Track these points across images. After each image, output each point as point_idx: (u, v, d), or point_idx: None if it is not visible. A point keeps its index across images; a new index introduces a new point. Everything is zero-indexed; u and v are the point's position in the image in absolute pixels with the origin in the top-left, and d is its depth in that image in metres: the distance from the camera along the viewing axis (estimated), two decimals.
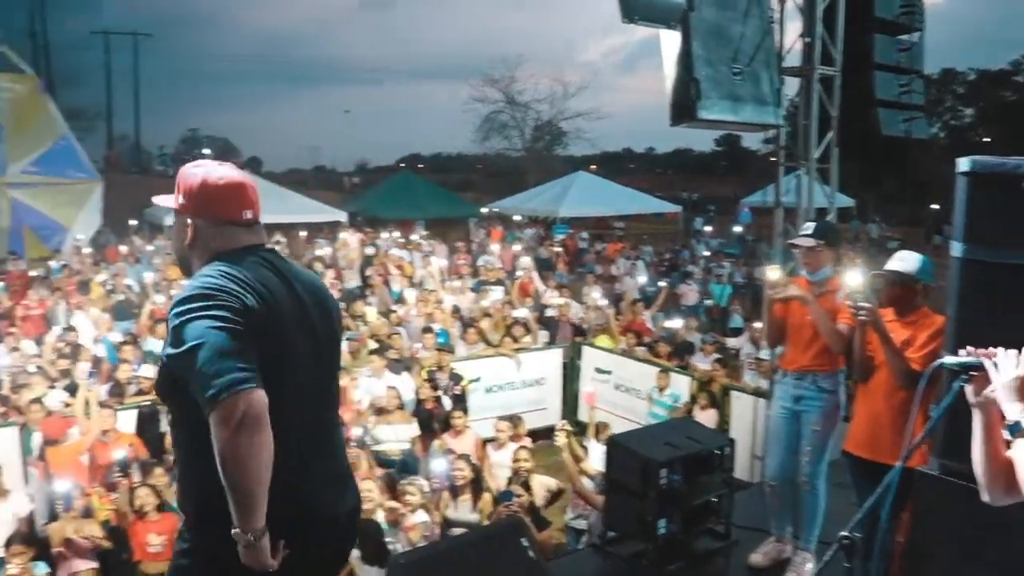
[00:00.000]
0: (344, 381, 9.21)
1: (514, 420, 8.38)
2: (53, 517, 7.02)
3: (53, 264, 17.11)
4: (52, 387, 8.94)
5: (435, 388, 9.48)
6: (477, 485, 7.07)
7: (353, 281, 15.50)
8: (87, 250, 17.98)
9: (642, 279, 17.20)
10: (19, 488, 7.47)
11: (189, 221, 2.43)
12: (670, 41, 4.83)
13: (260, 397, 2.11)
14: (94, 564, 6.80)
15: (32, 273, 15.58)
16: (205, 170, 2.44)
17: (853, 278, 4.14)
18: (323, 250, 18.00)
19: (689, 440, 4.68)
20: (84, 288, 14.15)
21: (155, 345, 10.96)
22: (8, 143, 20.17)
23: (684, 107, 4.94)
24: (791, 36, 7.31)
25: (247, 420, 2.07)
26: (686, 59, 4.78)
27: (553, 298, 13.77)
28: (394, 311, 12.69)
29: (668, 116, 5.40)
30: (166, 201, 2.48)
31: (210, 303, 2.18)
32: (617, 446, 4.58)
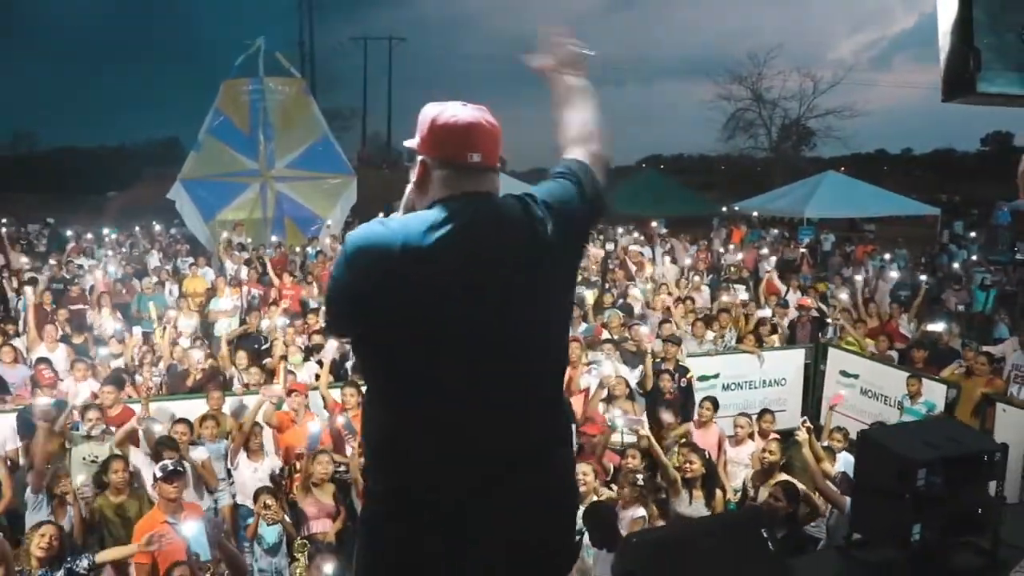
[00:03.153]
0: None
1: (764, 415, 8.23)
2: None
3: (309, 250, 18.36)
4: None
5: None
6: (710, 482, 6.85)
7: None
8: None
9: (893, 276, 16.04)
10: (272, 450, 8.01)
11: (419, 159, 2.36)
12: (947, 7, 4.35)
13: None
14: (331, 526, 7.16)
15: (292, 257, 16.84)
16: (440, 108, 2.35)
17: None
18: None
19: (951, 441, 4.22)
20: None
21: None
22: (276, 140, 21.82)
23: (960, 81, 4.40)
24: None
25: None
26: (965, 26, 4.29)
27: (794, 299, 13.30)
28: (630, 304, 12.65)
29: (940, 92, 4.82)
30: (411, 142, 2.42)
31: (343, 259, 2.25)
32: (869, 442, 4.20)
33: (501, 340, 2.22)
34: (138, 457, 7.24)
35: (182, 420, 7.73)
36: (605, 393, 8.54)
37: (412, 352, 2.21)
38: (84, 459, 7.43)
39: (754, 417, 8.61)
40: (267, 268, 15.14)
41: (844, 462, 7.19)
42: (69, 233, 22.19)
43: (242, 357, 9.79)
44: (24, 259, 17.97)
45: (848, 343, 11.21)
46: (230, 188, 21.48)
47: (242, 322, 12.37)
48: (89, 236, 21.28)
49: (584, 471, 6.22)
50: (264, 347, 10.59)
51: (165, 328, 10.68)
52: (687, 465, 6.73)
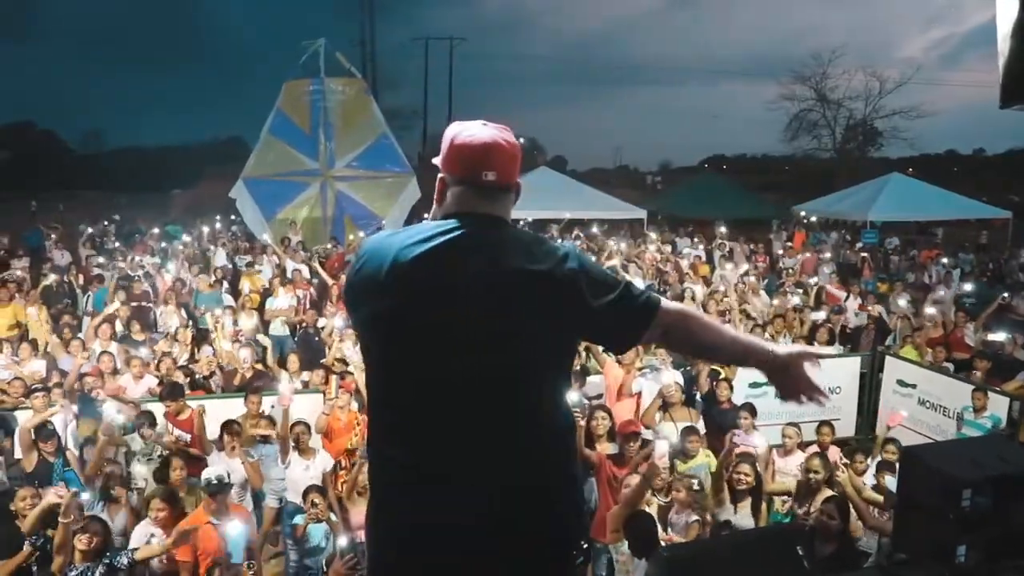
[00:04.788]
0: (620, 373, 9.15)
1: (822, 427, 8.23)
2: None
3: None
4: None
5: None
6: (757, 493, 6.73)
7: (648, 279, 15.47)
8: None
9: (966, 287, 15.63)
10: (320, 448, 8.08)
11: (439, 175, 2.43)
12: (1007, 9, 4.21)
13: None
14: None
15: (348, 257, 16.99)
16: (460, 127, 2.42)
17: None
18: (620, 245, 18.31)
19: (1001, 460, 4.09)
20: None
21: None
22: (337, 140, 22.06)
23: (1019, 86, 4.32)
24: None
25: None
26: None
27: (853, 305, 13.04)
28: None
29: (998, 98, 4.72)
30: (437, 159, 2.47)
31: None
32: (913, 459, 4.07)
33: (456, 368, 2.24)
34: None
35: (231, 421, 7.82)
36: (661, 402, 8.45)
37: (382, 359, 2.33)
38: (139, 457, 7.69)
39: (809, 427, 8.48)
40: (321, 268, 15.26)
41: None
42: (140, 234, 22.72)
43: (293, 361, 9.90)
44: (87, 251, 18.48)
45: (906, 353, 10.93)
46: (290, 187, 21.78)
47: (297, 323, 12.51)
48: (156, 231, 21.75)
49: (628, 483, 6.15)
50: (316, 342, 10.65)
51: (220, 326, 10.88)
52: (739, 476, 6.62)
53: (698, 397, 9.35)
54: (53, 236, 20.87)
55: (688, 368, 9.51)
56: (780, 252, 20.64)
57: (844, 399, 10.82)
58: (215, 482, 6.32)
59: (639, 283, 13.20)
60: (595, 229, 22.05)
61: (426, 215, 2.42)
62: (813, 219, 27.06)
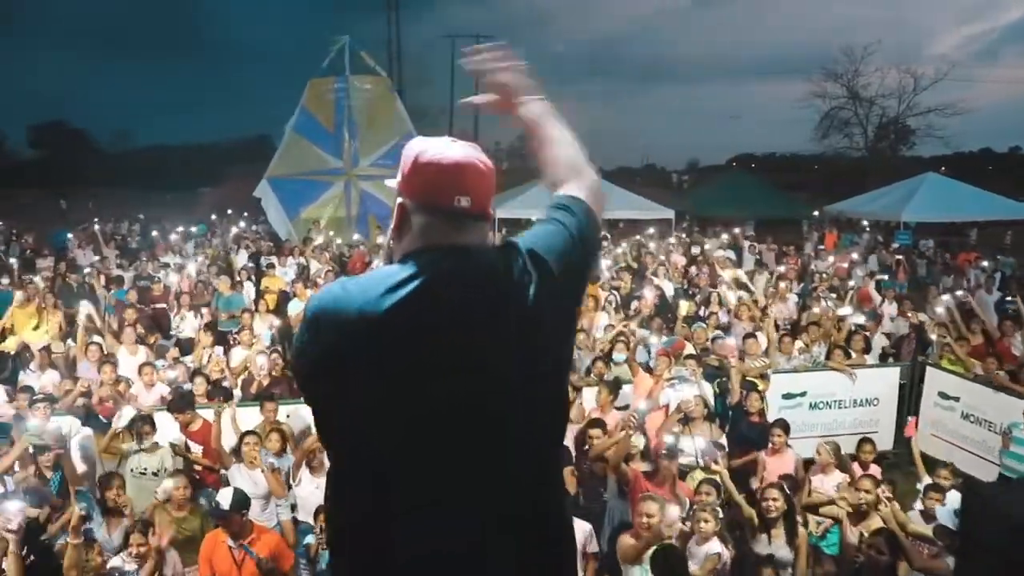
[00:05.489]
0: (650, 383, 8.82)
1: (863, 445, 7.86)
2: None
3: None
4: None
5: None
6: (790, 519, 6.31)
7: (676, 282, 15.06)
8: None
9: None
10: None
11: (399, 201, 2.04)
12: None
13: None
14: None
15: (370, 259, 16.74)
16: (425, 144, 2.03)
17: None
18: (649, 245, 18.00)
19: None
20: None
21: None
22: (361, 139, 21.84)
23: None
24: None
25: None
26: None
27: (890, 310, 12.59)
28: (714, 314, 12.11)
29: None
30: (391, 182, 2.10)
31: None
32: (978, 497, 3.73)
33: (460, 421, 1.93)
34: None
35: (251, 432, 7.55)
36: (680, 415, 8.06)
37: (367, 430, 1.95)
38: (132, 471, 7.34)
39: (847, 441, 8.10)
40: (344, 268, 15.02)
41: (953, 501, 6.48)
42: (155, 233, 22.58)
43: None
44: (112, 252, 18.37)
45: (949, 362, 10.45)
46: (314, 186, 21.67)
47: None
48: (180, 230, 21.61)
49: (649, 512, 5.72)
50: None
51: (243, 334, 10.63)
52: (769, 503, 6.20)
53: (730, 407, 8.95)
54: (77, 240, 20.71)
55: (724, 379, 9.11)
56: (812, 254, 20.14)
57: (882, 411, 10.37)
58: (221, 510, 6.03)
59: (667, 286, 12.85)
60: (637, 236, 21.68)
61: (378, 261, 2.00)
62: (863, 222, 26.24)
